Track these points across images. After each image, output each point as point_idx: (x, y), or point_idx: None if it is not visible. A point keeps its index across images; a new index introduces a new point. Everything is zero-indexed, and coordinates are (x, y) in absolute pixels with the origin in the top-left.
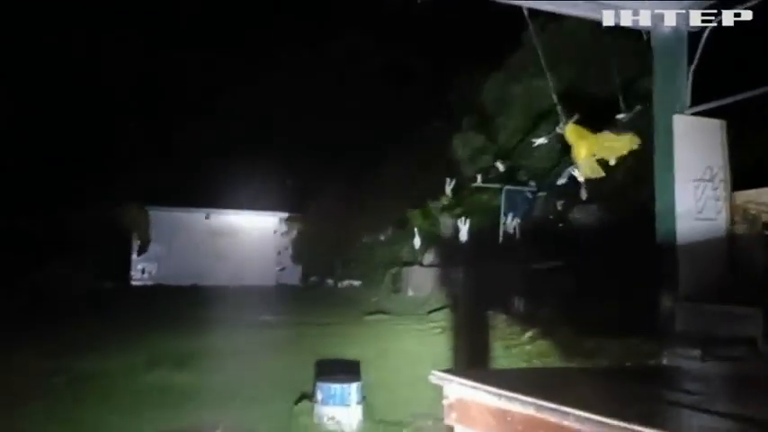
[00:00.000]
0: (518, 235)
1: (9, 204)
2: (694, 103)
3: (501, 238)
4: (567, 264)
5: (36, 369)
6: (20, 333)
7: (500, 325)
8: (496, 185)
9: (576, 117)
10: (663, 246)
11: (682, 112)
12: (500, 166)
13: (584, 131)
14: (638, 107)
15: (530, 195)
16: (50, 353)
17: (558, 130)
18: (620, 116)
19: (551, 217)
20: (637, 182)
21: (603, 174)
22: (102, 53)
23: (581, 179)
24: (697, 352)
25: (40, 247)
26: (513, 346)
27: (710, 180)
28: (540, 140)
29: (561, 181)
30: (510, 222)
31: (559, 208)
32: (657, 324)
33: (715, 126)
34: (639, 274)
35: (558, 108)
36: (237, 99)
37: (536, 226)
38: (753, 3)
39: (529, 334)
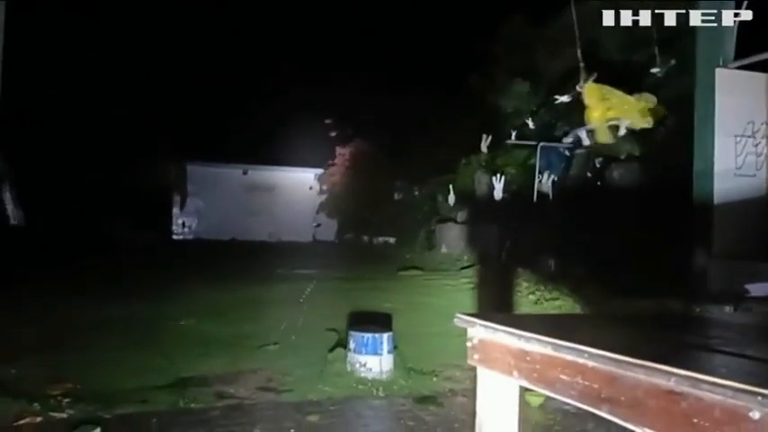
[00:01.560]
0: (552, 193)
1: (62, 161)
2: (739, 56)
3: (536, 196)
4: (603, 223)
5: (79, 315)
6: (67, 282)
7: (531, 282)
8: (531, 142)
9: (594, 75)
10: (699, 203)
11: (725, 66)
12: (530, 124)
13: (606, 92)
14: (673, 61)
15: (567, 153)
16: (94, 301)
17: (578, 88)
18: (654, 70)
19: (589, 175)
20: (678, 139)
21: (614, 140)
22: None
23: (586, 142)
24: (729, 307)
25: (85, 202)
26: (543, 301)
27: (752, 136)
28: (563, 98)
29: (567, 140)
30: (546, 180)
31: (598, 166)
32: (691, 282)
33: (759, 80)
34: (676, 232)
35: (581, 65)
36: (274, 56)
37: (573, 184)
38: None
39: (559, 291)
